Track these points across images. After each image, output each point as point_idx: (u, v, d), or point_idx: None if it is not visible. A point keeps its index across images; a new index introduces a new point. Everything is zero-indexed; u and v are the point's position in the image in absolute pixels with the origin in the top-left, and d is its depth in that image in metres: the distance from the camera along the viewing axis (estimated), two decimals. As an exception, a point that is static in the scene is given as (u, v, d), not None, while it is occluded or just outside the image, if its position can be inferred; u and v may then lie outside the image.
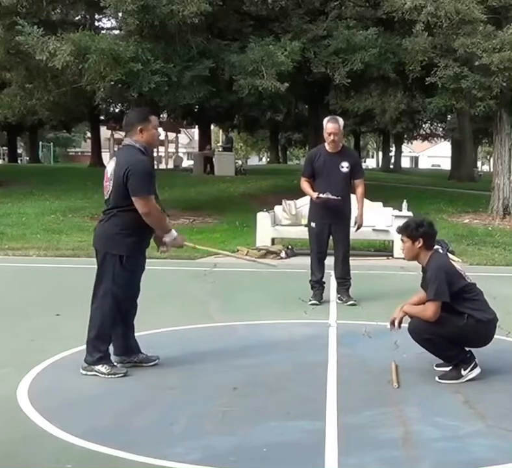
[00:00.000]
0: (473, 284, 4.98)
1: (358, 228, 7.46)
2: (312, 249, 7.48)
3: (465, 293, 4.88)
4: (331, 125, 7.12)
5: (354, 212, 7.48)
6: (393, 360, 5.02)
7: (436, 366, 5.00)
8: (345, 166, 7.21)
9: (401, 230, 4.95)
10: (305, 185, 7.35)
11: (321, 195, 7.13)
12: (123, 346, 5.01)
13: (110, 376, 4.76)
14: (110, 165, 4.83)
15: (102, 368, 4.79)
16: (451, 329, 4.76)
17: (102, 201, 4.92)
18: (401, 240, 4.96)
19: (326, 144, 7.27)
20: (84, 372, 4.82)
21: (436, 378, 4.80)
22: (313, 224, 7.35)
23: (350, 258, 7.51)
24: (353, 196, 7.44)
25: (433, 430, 3.91)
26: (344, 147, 7.55)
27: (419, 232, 4.81)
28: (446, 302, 4.73)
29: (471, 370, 4.83)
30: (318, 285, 7.39)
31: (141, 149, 4.75)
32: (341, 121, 7.26)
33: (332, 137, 7.12)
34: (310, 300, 7.30)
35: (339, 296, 7.42)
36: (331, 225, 7.28)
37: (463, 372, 4.82)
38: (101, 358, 4.82)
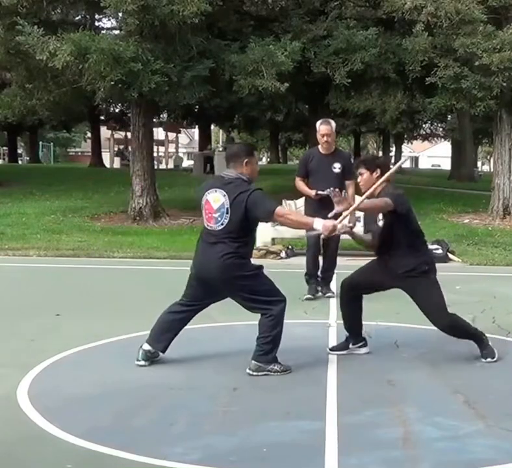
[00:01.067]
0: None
1: (351, 228, 7.66)
2: (308, 246, 7.87)
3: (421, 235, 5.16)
4: (324, 127, 7.53)
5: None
6: None
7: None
8: (337, 167, 7.57)
9: (358, 164, 5.24)
10: (300, 184, 7.68)
11: (320, 192, 7.24)
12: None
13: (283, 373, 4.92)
14: (215, 196, 4.90)
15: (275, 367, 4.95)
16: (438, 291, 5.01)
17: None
18: (359, 173, 5.13)
19: (319, 146, 7.68)
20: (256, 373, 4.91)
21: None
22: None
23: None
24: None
25: (433, 430, 3.91)
26: (337, 149, 7.98)
27: (376, 162, 5.11)
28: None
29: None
30: (313, 280, 7.76)
31: (247, 181, 4.94)
32: (333, 123, 7.68)
33: (325, 138, 7.52)
34: (305, 295, 7.61)
35: (319, 288, 7.77)
36: None
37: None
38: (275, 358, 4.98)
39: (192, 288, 5.09)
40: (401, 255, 5.01)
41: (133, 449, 3.58)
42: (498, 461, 3.50)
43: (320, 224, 4.78)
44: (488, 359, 5.15)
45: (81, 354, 5.38)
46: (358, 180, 5.16)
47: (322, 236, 5.16)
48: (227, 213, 4.82)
